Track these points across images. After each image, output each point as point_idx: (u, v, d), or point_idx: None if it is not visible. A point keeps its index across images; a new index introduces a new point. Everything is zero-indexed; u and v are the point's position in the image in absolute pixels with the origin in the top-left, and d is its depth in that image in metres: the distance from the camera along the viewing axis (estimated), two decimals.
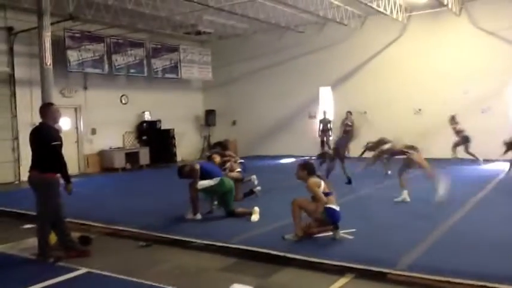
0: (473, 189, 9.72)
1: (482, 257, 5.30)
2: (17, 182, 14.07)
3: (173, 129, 18.66)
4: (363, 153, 11.71)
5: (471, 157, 14.04)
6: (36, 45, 9.61)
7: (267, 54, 19.57)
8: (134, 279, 5.11)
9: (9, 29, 14.14)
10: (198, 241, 6.38)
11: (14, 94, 14.29)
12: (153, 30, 17.08)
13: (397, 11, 15.69)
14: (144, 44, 17.80)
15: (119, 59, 16.81)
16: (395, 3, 15.32)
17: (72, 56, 15.17)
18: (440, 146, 14.78)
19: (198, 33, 18.62)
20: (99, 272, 5.42)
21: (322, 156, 11.28)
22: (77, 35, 15.38)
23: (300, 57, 18.85)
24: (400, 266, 4.99)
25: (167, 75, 18.72)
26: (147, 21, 15.92)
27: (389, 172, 11.26)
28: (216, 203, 7.97)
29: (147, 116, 18.17)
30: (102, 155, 16.72)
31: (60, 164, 5.89)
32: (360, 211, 7.87)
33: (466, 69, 15.65)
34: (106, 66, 16.34)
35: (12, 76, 14.22)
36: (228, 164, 9.29)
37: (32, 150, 5.99)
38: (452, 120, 14.33)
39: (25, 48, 14.28)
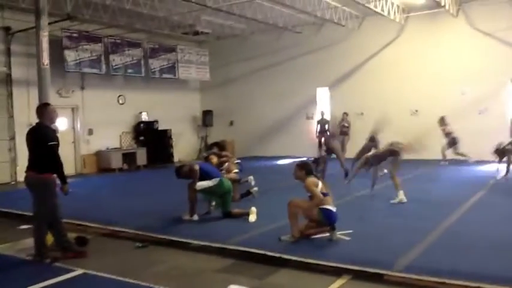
0: (470, 191, 9.73)
1: (479, 258, 5.31)
2: (13, 183, 14.04)
3: (170, 130, 18.66)
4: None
5: (461, 158, 14.25)
6: (34, 45, 9.56)
7: (264, 54, 19.57)
8: (131, 281, 5.10)
9: (7, 29, 14.13)
10: (195, 242, 6.37)
11: (11, 94, 14.27)
12: (151, 30, 17.07)
13: (395, 12, 15.72)
14: (141, 44, 17.79)
15: (117, 59, 16.79)
16: (392, 4, 15.35)
17: (70, 56, 15.16)
18: (437, 147, 14.84)
19: (196, 33, 18.59)
20: (95, 273, 5.42)
21: (317, 161, 11.35)
22: (75, 34, 15.37)
23: (297, 58, 18.86)
24: (397, 267, 4.99)
25: (165, 76, 18.71)
26: (145, 21, 15.91)
27: (383, 172, 11.15)
28: (214, 203, 7.96)
29: (145, 117, 18.16)
30: (99, 155, 16.70)
31: (57, 164, 5.88)
32: (357, 212, 7.88)
33: (463, 70, 15.69)
34: (103, 66, 16.32)
35: (9, 76, 14.20)
36: (225, 165, 9.28)
37: (29, 150, 5.99)
38: (442, 121, 14.48)
39: (22, 48, 14.25)
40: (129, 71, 17.38)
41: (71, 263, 5.73)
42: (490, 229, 6.60)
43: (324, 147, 12.19)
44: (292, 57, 18.99)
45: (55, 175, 5.93)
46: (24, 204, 7.30)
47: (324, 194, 6.16)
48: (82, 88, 16.40)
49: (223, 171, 8.88)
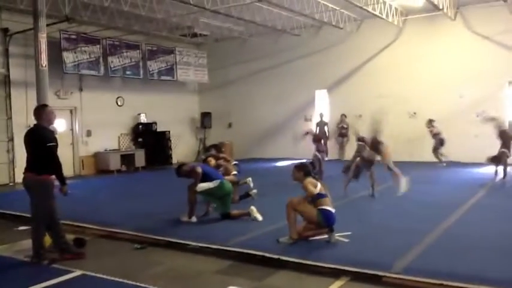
0: (468, 193, 9.76)
1: (477, 260, 5.32)
2: (11, 184, 14.01)
3: (169, 132, 18.66)
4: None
5: (437, 159, 14.65)
6: (32, 47, 9.56)
7: (263, 57, 19.59)
8: (129, 282, 5.10)
9: (5, 30, 14.11)
10: (193, 243, 6.36)
11: (9, 95, 14.24)
12: (149, 32, 17.08)
13: (393, 15, 15.76)
14: (140, 46, 17.79)
15: (115, 61, 16.79)
16: (391, 7, 15.39)
17: (68, 57, 15.15)
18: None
19: (194, 35, 18.64)
20: (93, 274, 5.41)
21: (313, 163, 11.41)
22: (73, 36, 15.36)
23: (296, 60, 18.88)
24: (395, 269, 5.00)
25: (163, 78, 18.71)
26: (143, 23, 15.91)
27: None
28: (214, 205, 7.94)
29: (143, 118, 18.16)
30: (97, 157, 16.68)
31: (55, 166, 5.88)
32: (355, 214, 7.89)
33: (461, 73, 15.73)
34: (102, 68, 16.32)
35: (7, 77, 14.18)
36: (222, 168, 9.28)
37: (27, 152, 5.98)
38: (429, 123, 14.83)
39: (20, 50, 14.26)
40: (128, 72, 17.38)
41: (69, 265, 5.73)
42: (488, 231, 6.62)
43: (315, 147, 12.25)
44: (290, 59, 19.02)
45: (53, 176, 5.92)
46: (22, 206, 7.29)
47: (323, 195, 6.16)
48: (80, 90, 16.39)
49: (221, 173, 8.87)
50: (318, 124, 17.85)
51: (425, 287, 4.66)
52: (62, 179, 5.96)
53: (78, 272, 5.47)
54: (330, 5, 14.91)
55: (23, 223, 7.85)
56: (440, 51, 16.17)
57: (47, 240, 6.10)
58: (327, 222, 6.08)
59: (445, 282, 4.58)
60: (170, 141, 18.68)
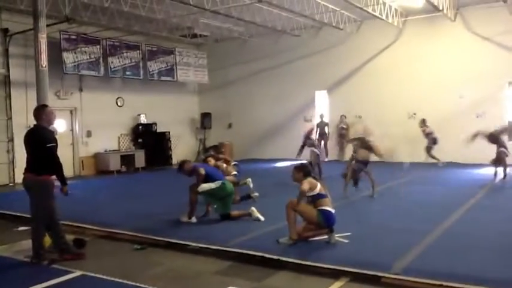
0: (468, 193, 9.77)
1: (476, 260, 5.33)
2: (11, 184, 14.02)
3: (169, 132, 18.67)
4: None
5: (431, 158, 14.90)
6: (32, 47, 9.56)
7: (263, 57, 19.60)
8: (128, 282, 5.10)
9: (5, 31, 14.11)
10: (193, 244, 6.37)
11: (9, 96, 14.25)
12: (149, 32, 17.08)
13: (393, 16, 15.76)
14: (140, 47, 17.79)
15: (115, 62, 16.79)
16: (390, 8, 15.39)
17: (68, 58, 15.15)
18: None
19: (194, 36, 18.64)
20: (93, 274, 5.41)
21: (311, 164, 11.53)
22: (73, 37, 15.37)
23: (296, 61, 18.88)
24: (395, 269, 5.00)
25: (163, 78, 18.71)
26: (143, 24, 15.92)
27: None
28: (215, 206, 7.94)
29: (143, 119, 18.16)
30: (97, 157, 16.68)
31: (56, 166, 5.88)
32: (355, 214, 7.89)
33: (461, 73, 15.74)
34: (102, 69, 16.32)
35: (7, 78, 14.18)
36: (219, 169, 9.28)
37: (27, 152, 5.98)
38: (422, 123, 15.04)
39: (20, 50, 14.27)
40: (128, 73, 17.38)
41: (69, 265, 5.73)
42: (488, 231, 6.63)
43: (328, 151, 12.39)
44: (290, 60, 19.02)
45: (53, 177, 5.92)
46: (22, 206, 7.28)
47: (323, 196, 6.17)
48: (80, 90, 16.39)
49: None
50: (318, 125, 17.86)
51: (424, 287, 4.66)
52: (62, 179, 5.96)
53: (78, 273, 5.47)
54: (330, 6, 14.91)
55: (22, 223, 7.86)
56: (440, 52, 16.17)
57: (47, 240, 6.10)
58: (326, 222, 6.08)
59: (444, 283, 4.59)
60: (170, 141, 18.69)
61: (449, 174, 13.14)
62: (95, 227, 7.57)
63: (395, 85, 16.76)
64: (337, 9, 15.38)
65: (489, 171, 12.29)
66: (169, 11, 14.58)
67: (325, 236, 6.17)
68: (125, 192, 11.89)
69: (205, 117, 20.65)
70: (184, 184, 7.95)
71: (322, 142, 17.68)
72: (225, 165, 9.46)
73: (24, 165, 5.98)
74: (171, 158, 18.61)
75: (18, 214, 8.54)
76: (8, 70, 14.17)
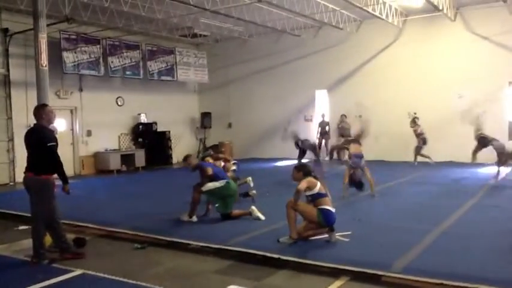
0: (468, 193, 9.77)
1: (477, 259, 5.33)
2: (12, 184, 14.02)
3: (169, 132, 18.68)
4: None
5: (420, 157, 14.94)
6: (32, 47, 9.59)
7: (263, 57, 19.61)
8: (129, 281, 5.11)
9: (5, 31, 14.12)
10: (194, 243, 6.37)
11: (9, 95, 14.26)
12: (149, 32, 17.10)
13: (393, 15, 15.76)
14: (140, 46, 17.80)
15: (115, 61, 16.80)
16: (390, 8, 15.39)
17: (68, 57, 15.16)
18: (435, 149, 14.91)
19: (194, 35, 18.64)
20: (93, 273, 5.42)
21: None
22: (73, 36, 15.38)
23: (296, 61, 18.89)
24: (395, 268, 5.01)
25: (163, 78, 18.72)
26: (143, 24, 15.92)
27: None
28: (217, 205, 7.94)
29: (143, 118, 18.17)
30: (97, 156, 16.69)
31: (57, 165, 5.89)
32: (355, 213, 7.89)
33: (461, 73, 15.73)
34: (102, 68, 16.33)
35: (7, 77, 14.19)
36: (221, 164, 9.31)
37: (28, 151, 5.98)
38: (413, 122, 15.06)
39: (20, 50, 14.28)
40: (128, 73, 17.39)
41: (69, 264, 5.74)
42: (488, 231, 6.63)
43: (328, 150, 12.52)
44: (290, 59, 19.03)
45: (54, 176, 5.93)
46: (23, 205, 7.29)
47: (323, 195, 6.17)
48: (80, 90, 16.39)
49: None
50: (320, 124, 17.89)
51: (424, 286, 4.67)
52: (64, 178, 5.97)
53: (78, 272, 5.48)
54: (330, 6, 14.91)
55: (23, 223, 7.87)
56: (440, 51, 16.18)
57: (47, 239, 6.11)
58: (327, 221, 6.09)
59: (444, 282, 4.59)
60: (170, 141, 18.69)
61: (450, 173, 13.12)
62: (95, 226, 7.57)
63: (395, 84, 16.77)
64: (337, 8, 15.38)
65: (490, 170, 12.29)
66: (169, 10, 14.58)
67: (326, 235, 6.17)
68: (125, 192, 11.90)
69: (205, 116, 20.66)
70: (184, 183, 7.96)
71: (324, 141, 17.71)
72: (222, 163, 9.46)
73: (24, 165, 5.99)
74: (171, 158, 18.62)
75: (19, 213, 8.55)
76: (8, 70, 14.17)
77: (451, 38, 16.05)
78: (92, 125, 16.51)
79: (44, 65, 8.97)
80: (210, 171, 7.71)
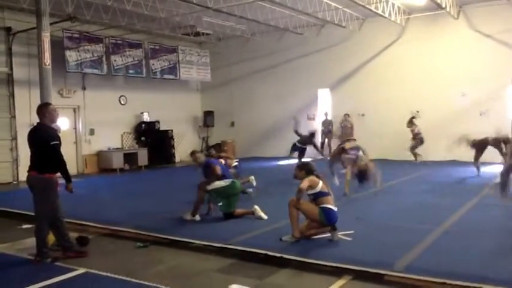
0: (471, 192, 9.74)
1: (478, 259, 5.32)
2: (15, 182, 14.08)
3: (172, 130, 18.70)
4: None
5: (413, 157, 15.12)
6: (35, 46, 9.60)
7: (265, 55, 19.60)
8: (131, 280, 5.12)
9: (8, 29, 14.15)
10: (196, 242, 6.38)
11: (12, 94, 14.30)
12: (152, 31, 17.11)
13: (396, 14, 15.72)
14: (142, 45, 17.82)
15: (118, 60, 16.82)
16: (393, 6, 15.36)
17: (71, 56, 15.19)
18: (437, 148, 14.89)
19: (197, 34, 18.65)
20: (96, 272, 5.43)
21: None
22: (76, 35, 15.40)
23: (298, 59, 18.88)
24: (397, 267, 5.00)
25: (166, 76, 18.73)
26: (146, 22, 15.93)
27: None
28: (220, 204, 7.94)
29: (146, 117, 18.19)
30: (100, 155, 16.72)
31: (60, 163, 5.90)
32: (358, 212, 7.88)
33: (464, 71, 15.70)
34: (105, 67, 16.35)
35: (10, 76, 14.23)
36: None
37: (31, 150, 6.00)
38: (411, 123, 15.09)
39: (23, 49, 14.31)
40: (130, 71, 17.41)
41: (72, 263, 5.75)
42: (489, 230, 6.62)
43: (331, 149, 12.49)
44: (293, 58, 19.02)
45: (57, 174, 5.95)
46: (26, 204, 7.29)
47: (325, 194, 6.17)
48: (83, 88, 16.43)
49: None
50: (323, 123, 17.88)
51: (427, 285, 4.67)
52: (67, 176, 5.99)
53: (81, 270, 5.49)
54: (333, 4, 14.88)
55: (26, 221, 7.89)
56: (443, 49, 16.14)
57: (51, 238, 6.13)
58: (328, 220, 6.09)
59: (447, 281, 4.59)
60: (173, 139, 18.73)
61: (452, 172, 13.10)
62: (98, 225, 7.59)
63: (398, 83, 16.74)
64: (340, 7, 15.35)
65: (491, 170, 12.25)
66: (172, 9, 14.60)
67: (328, 234, 6.17)
68: (127, 190, 11.92)
69: (208, 115, 20.68)
70: (187, 182, 7.97)
71: (326, 140, 17.70)
72: (223, 161, 9.46)
73: (28, 163, 6.01)
74: (174, 156, 18.65)
75: (22, 212, 8.57)
76: (11, 69, 14.23)
77: (454, 36, 16.00)
78: (94, 123, 16.55)
79: (47, 63, 8.99)
80: (219, 170, 7.74)
